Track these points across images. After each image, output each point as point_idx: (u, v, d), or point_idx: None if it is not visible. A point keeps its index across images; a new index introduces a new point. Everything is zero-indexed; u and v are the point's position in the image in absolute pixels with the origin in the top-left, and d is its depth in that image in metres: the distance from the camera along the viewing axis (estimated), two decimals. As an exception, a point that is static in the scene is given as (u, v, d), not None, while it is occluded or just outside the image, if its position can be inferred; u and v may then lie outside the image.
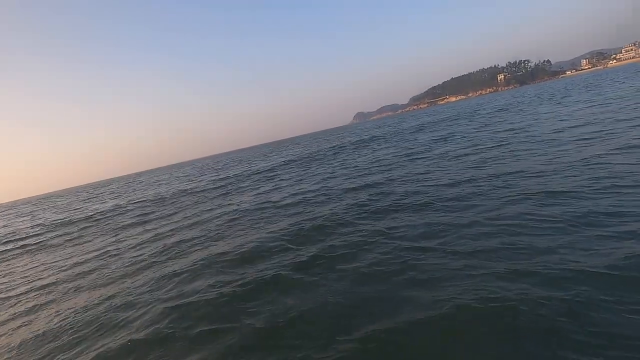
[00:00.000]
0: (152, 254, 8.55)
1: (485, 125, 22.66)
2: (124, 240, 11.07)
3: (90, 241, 12.32)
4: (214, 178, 27.84)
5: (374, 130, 53.95)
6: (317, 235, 7.20)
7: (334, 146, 35.36)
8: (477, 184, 8.48)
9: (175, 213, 14.20)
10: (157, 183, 39.86)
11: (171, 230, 10.94)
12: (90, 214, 21.21)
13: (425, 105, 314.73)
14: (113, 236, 12.22)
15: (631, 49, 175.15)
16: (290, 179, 17.61)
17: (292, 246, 6.87)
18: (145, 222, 13.72)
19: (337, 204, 9.69)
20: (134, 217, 15.66)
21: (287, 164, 26.70)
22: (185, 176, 41.03)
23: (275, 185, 16.24)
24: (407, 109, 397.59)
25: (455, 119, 35.35)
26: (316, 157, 26.90)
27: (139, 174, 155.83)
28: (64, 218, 21.87)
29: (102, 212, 20.77)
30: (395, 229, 6.59)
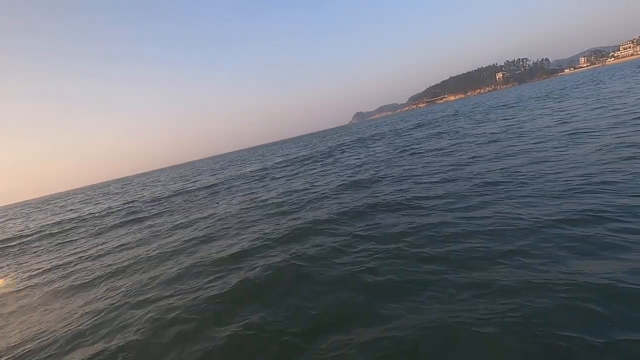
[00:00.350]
0: (131, 257, 8.42)
1: (480, 122, 22.53)
2: (106, 242, 10.94)
3: (75, 242, 12.20)
4: (208, 179, 27.70)
5: (372, 129, 53.71)
6: (293, 236, 7.08)
7: (330, 146, 35.22)
8: (457, 182, 8.36)
9: (161, 214, 14.07)
10: (153, 184, 39.76)
11: (156, 231, 10.80)
12: (81, 215, 21.09)
13: (424, 105, 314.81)
14: (97, 238, 12.09)
15: (629, 46, 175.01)
16: (282, 177, 17.51)
17: (268, 246, 6.76)
18: (133, 223, 13.59)
19: (320, 203, 9.56)
20: (123, 218, 15.53)
21: (281, 164, 26.53)
22: (181, 177, 40.92)
23: (265, 185, 16.10)
24: (406, 108, 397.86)
25: (454, 116, 35.27)
26: (311, 157, 26.76)
27: (141, 175, 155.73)
28: (56, 220, 21.73)
29: (94, 213, 20.64)
30: (369, 229, 6.48)
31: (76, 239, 12.78)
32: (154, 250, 8.51)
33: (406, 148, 17.66)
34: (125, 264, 7.90)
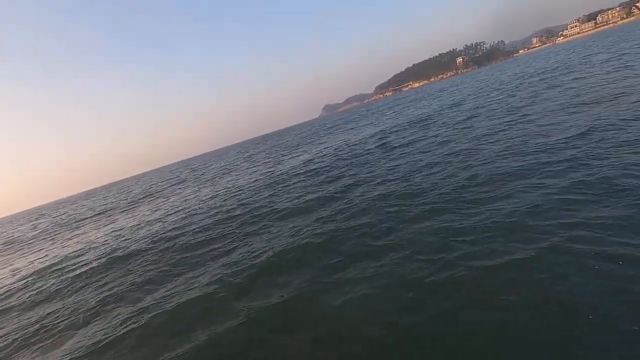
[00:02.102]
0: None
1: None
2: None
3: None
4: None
5: (343, 133, 34.19)
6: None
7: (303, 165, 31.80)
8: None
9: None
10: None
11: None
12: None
13: (391, 93, 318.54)
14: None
15: (575, 25, 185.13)
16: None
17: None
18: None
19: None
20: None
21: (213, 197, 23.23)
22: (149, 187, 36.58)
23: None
24: (374, 97, 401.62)
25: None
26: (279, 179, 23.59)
27: (131, 179, 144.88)
28: None
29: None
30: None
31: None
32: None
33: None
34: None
